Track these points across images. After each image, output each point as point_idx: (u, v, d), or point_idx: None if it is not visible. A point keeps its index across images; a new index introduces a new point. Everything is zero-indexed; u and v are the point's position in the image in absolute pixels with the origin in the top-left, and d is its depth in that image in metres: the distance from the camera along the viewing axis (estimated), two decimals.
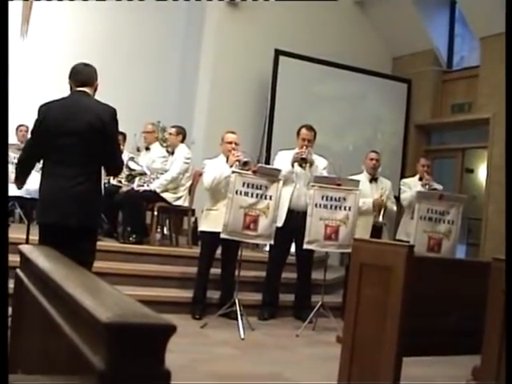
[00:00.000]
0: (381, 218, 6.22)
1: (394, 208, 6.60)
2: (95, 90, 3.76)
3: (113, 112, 3.65)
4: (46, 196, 3.65)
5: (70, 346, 1.28)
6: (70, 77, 3.74)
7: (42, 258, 1.87)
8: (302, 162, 5.98)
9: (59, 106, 3.67)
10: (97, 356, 1.15)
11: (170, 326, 1.11)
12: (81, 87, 3.68)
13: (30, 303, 1.76)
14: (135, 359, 1.11)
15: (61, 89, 3.90)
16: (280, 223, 5.86)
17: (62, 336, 1.35)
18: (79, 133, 3.57)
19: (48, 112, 3.67)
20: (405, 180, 7.09)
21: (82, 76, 3.70)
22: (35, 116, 3.73)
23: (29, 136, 3.95)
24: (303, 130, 6.13)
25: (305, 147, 6.00)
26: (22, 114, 6.66)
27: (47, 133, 3.63)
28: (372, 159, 6.59)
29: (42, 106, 3.74)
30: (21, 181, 3.89)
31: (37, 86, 8.20)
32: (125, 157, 6.61)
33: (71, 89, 3.76)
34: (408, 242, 5.37)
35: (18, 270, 2.21)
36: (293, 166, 6.00)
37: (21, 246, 2.26)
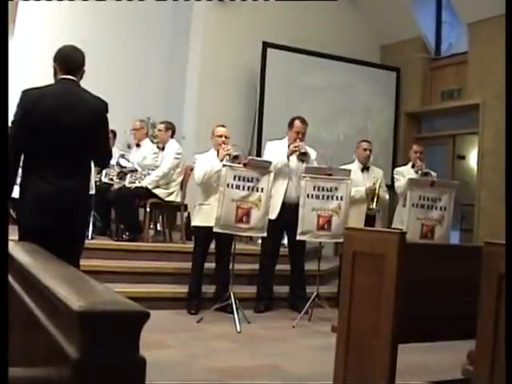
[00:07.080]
0: (374, 205, 6.21)
1: (387, 196, 6.63)
2: (81, 76, 3.35)
3: (106, 106, 3.35)
4: (39, 198, 3.17)
5: (48, 338, 1.27)
6: (57, 60, 3.32)
7: (22, 253, 1.85)
8: (303, 156, 5.92)
9: (52, 97, 3.21)
10: (71, 345, 1.14)
11: (143, 313, 1.10)
12: (69, 74, 3.28)
13: (12, 299, 1.75)
14: (109, 347, 1.10)
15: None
16: (273, 216, 5.85)
17: (41, 329, 1.34)
18: (78, 129, 3.19)
19: (38, 102, 3.18)
20: (398, 169, 7.09)
21: (73, 62, 3.30)
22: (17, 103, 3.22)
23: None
24: (297, 123, 6.08)
25: (298, 140, 5.97)
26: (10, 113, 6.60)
27: (38, 126, 3.15)
28: (366, 149, 6.57)
29: (26, 92, 3.26)
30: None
31: (23, 84, 8.12)
32: (115, 154, 6.59)
33: (55, 73, 3.35)
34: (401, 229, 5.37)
35: None
36: (288, 159, 5.97)
37: None
